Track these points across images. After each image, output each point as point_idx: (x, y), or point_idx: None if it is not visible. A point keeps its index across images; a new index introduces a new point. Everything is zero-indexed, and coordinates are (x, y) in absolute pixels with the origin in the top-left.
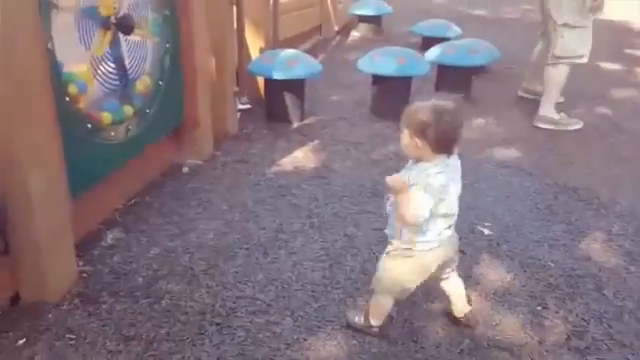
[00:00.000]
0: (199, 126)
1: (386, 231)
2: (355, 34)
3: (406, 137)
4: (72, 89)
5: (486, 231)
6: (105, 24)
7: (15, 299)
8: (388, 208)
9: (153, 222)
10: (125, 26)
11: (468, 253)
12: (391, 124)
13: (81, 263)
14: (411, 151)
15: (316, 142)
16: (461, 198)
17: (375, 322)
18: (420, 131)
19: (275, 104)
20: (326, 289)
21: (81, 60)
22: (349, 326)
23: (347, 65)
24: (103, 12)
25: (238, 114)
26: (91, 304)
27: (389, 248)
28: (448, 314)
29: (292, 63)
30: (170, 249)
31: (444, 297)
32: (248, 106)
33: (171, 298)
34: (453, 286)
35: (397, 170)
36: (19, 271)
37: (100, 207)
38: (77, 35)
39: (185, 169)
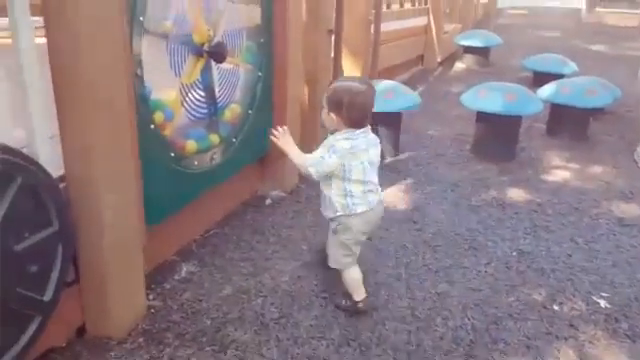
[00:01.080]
0: (285, 156)
1: (321, 209)
2: (460, 65)
3: (325, 112)
4: (158, 116)
5: (603, 303)
6: (198, 52)
7: (82, 331)
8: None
9: (229, 257)
10: (218, 54)
11: (581, 329)
12: (494, 166)
13: (151, 297)
14: (329, 124)
15: (409, 181)
16: (573, 259)
17: (358, 297)
18: (336, 108)
19: None
20: (409, 357)
21: (170, 87)
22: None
23: (449, 98)
24: (197, 39)
25: None
26: (155, 345)
27: (332, 225)
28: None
29: (389, 95)
30: (243, 290)
31: None
32: None
33: (237, 348)
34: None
35: (499, 219)
36: (86, 303)
37: (177, 236)
38: (168, 62)
39: (268, 201)
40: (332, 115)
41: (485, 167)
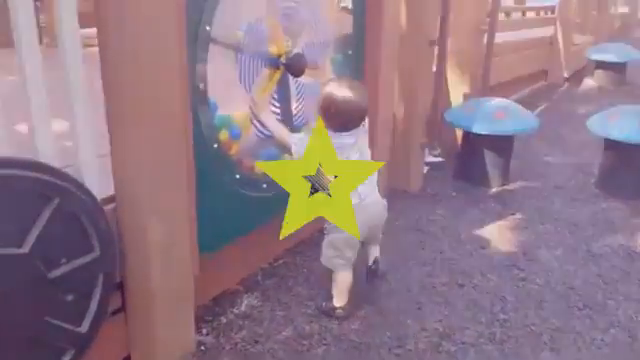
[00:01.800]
0: None
1: None
2: (590, 83)
3: (315, 113)
4: (223, 135)
5: None
6: (273, 64)
7: None
8: None
9: (296, 292)
10: (295, 68)
11: None
12: (623, 206)
13: (204, 331)
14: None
15: (518, 216)
16: None
17: (338, 302)
18: (322, 114)
19: (472, 162)
20: None
21: (239, 103)
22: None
23: (574, 121)
24: (273, 50)
25: (425, 168)
26: None
27: (325, 224)
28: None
29: (500, 115)
30: (305, 334)
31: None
32: (440, 159)
33: None
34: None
35: (625, 273)
36: (132, 333)
37: (243, 263)
38: (237, 75)
39: None
40: (320, 118)
41: (612, 206)
